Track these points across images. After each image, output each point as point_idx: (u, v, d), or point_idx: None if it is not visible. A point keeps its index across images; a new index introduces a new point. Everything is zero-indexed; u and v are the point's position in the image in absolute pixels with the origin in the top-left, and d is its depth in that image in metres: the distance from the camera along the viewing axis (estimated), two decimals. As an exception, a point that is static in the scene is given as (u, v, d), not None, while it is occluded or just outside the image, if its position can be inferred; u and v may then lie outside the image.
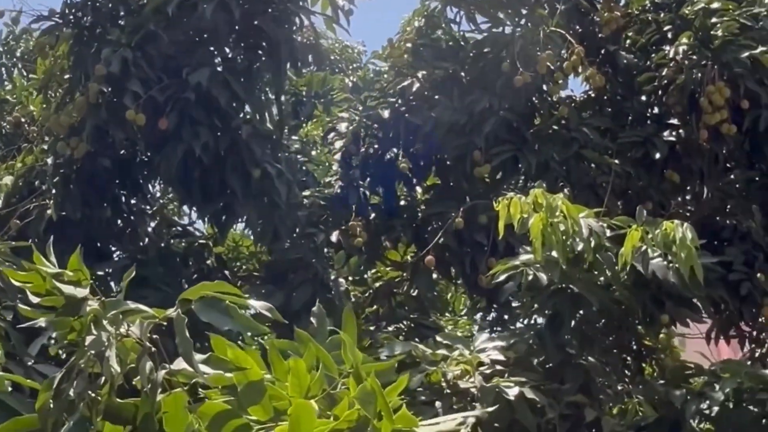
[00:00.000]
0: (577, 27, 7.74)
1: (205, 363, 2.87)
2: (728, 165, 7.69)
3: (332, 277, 7.03)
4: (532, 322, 6.37)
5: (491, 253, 6.76)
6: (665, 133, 7.30)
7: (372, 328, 7.86)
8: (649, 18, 7.69)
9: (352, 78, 10.21)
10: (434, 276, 7.78)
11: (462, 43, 7.71)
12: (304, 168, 8.35)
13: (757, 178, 7.47)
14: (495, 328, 7.79)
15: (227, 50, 7.13)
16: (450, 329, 8.50)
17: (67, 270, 2.85)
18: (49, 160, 6.86)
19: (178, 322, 2.74)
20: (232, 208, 6.85)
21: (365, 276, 7.97)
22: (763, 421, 5.33)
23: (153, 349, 2.82)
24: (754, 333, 7.83)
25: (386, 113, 7.52)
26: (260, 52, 7.14)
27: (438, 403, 5.12)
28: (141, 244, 7.46)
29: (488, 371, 5.24)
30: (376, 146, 7.64)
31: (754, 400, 5.45)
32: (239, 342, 7.05)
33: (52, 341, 3.44)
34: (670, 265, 5.46)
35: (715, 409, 5.46)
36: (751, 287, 6.81)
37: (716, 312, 7.18)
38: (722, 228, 7.26)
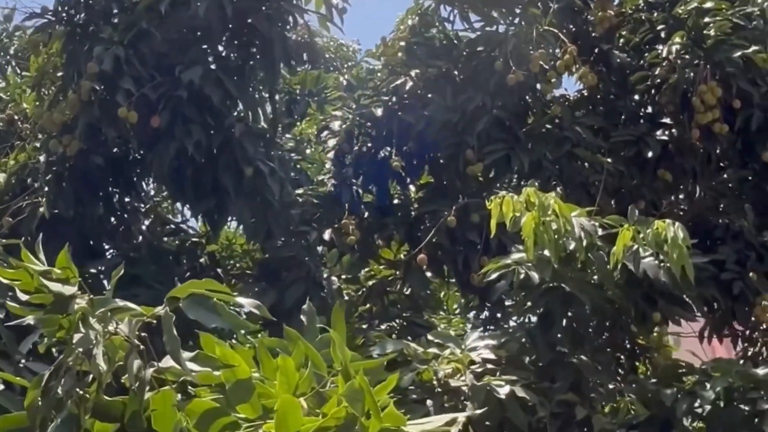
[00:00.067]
0: (571, 26, 7.74)
1: (193, 361, 2.87)
2: (721, 164, 7.71)
3: (325, 276, 7.04)
4: (525, 320, 6.38)
5: (484, 252, 6.76)
6: (658, 132, 7.31)
7: (365, 326, 7.87)
8: (643, 17, 7.69)
9: (346, 76, 10.20)
10: (427, 275, 7.79)
11: (455, 41, 7.71)
12: (297, 166, 8.36)
13: (750, 178, 7.48)
14: (488, 327, 7.80)
15: (220, 48, 7.13)
16: (443, 328, 8.50)
17: (56, 268, 2.85)
18: (42, 158, 6.86)
19: (166, 319, 2.75)
20: (225, 206, 6.85)
21: (358, 274, 7.97)
22: (754, 419, 5.33)
23: (141, 347, 2.83)
24: (747, 332, 7.85)
25: (379, 112, 7.53)
26: (254, 50, 7.13)
27: (429, 402, 5.12)
28: (135, 242, 7.46)
29: (479, 370, 5.25)
30: (369, 145, 7.64)
31: (745, 399, 5.46)
32: (234, 340, 7.11)
33: (45, 339, 3.44)
34: (662, 264, 5.47)
35: (706, 407, 5.46)
36: (743, 286, 6.82)
37: (709, 311, 7.18)
38: (715, 227, 7.27)
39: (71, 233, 6.86)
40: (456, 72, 7.49)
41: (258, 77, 7.31)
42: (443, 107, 7.20)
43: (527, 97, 7.40)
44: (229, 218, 7.24)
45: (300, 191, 7.60)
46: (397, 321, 7.75)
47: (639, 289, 5.84)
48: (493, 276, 5.60)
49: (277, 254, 7.07)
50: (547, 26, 7.31)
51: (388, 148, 7.57)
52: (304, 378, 2.93)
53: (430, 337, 5.52)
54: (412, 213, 7.65)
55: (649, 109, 7.57)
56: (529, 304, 5.85)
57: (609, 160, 7.15)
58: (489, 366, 5.32)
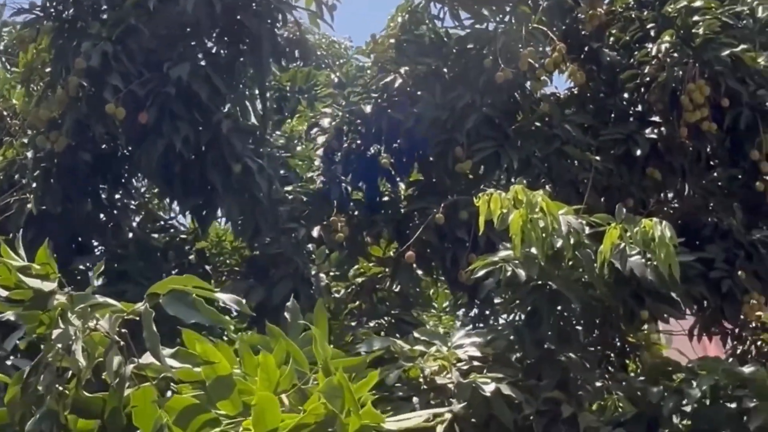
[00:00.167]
0: (561, 24, 7.74)
1: (173, 357, 2.87)
2: (711, 163, 7.71)
3: (313, 273, 7.03)
4: (512, 318, 6.37)
5: (472, 249, 6.76)
6: (647, 131, 7.31)
7: (354, 323, 7.88)
8: (633, 15, 7.69)
9: (338, 73, 10.20)
10: (417, 272, 7.78)
11: (445, 39, 7.70)
12: (287, 163, 8.34)
13: (739, 176, 7.48)
14: (477, 324, 7.80)
15: (209, 45, 7.11)
16: (432, 325, 8.50)
17: (35, 263, 2.84)
18: (29, 154, 6.84)
19: (146, 315, 2.74)
20: (213, 203, 6.84)
21: (347, 272, 7.96)
22: (740, 417, 5.34)
23: (121, 343, 2.82)
24: (736, 330, 7.86)
25: (369, 109, 7.52)
26: (243, 47, 7.12)
27: (415, 399, 5.11)
28: (124, 239, 7.45)
29: (465, 367, 5.24)
30: (358, 142, 7.64)
31: (731, 397, 5.46)
32: (225, 338, 7.10)
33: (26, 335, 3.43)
34: (649, 262, 5.47)
35: (693, 405, 5.46)
36: (732, 285, 6.83)
37: (699, 309, 7.20)
38: (704, 226, 7.27)
39: (59, 230, 6.85)
40: (445, 69, 7.49)
41: (248, 74, 7.30)
42: (432, 104, 7.20)
43: (516, 95, 7.39)
44: (217, 215, 7.22)
45: (289, 188, 7.59)
46: (386, 318, 7.76)
47: (627, 287, 5.83)
48: (480, 273, 5.58)
49: (266, 251, 7.06)
50: (537, 24, 7.31)
51: (378, 146, 7.57)
52: (285, 375, 2.93)
53: (416, 335, 5.51)
54: (401, 210, 7.64)
55: (639, 108, 7.56)
56: (516, 301, 5.84)
57: (598, 158, 7.15)
58: (475, 363, 5.31)
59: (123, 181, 7.46)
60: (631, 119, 7.48)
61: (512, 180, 7.05)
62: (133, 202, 7.86)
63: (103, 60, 6.39)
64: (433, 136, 7.23)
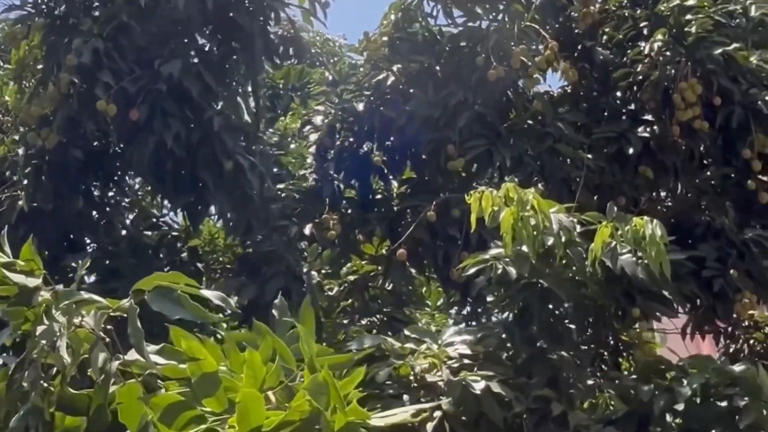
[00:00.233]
0: (554, 22, 7.73)
1: (158, 354, 2.86)
2: (705, 162, 7.71)
3: (305, 270, 7.02)
4: (504, 316, 6.36)
5: (464, 247, 6.75)
6: (639, 129, 7.31)
7: (346, 321, 7.87)
8: (626, 14, 7.69)
9: (332, 71, 10.19)
10: (410, 270, 7.78)
11: (438, 37, 7.69)
12: (280, 160, 8.33)
13: (732, 175, 7.48)
14: (470, 323, 7.79)
15: (201, 42, 7.10)
16: (423, 323, 8.50)
17: (19, 260, 2.84)
18: (20, 151, 6.83)
19: (130, 312, 2.73)
20: (205, 200, 6.82)
21: (340, 269, 7.96)
22: (729, 416, 5.34)
23: (107, 339, 2.81)
24: (729, 329, 7.87)
25: (361, 106, 7.51)
26: (235, 44, 7.11)
27: (406, 397, 5.11)
28: (119, 236, 7.44)
29: (456, 365, 5.24)
30: (351, 139, 7.63)
31: (722, 395, 5.46)
32: (218, 335, 7.09)
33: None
34: (639, 261, 5.47)
35: (683, 404, 5.46)
36: (724, 283, 6.82)
37: (692, 308, 7.20)
38: (696, 224, 7.26)
39: (50, 227, 6.86)
40: (438, 67, 7.47)
41: (240, 71, 7.28)
42: (425, 102, 7.19)
43: (509, 93, 7.39)
44: (209, 212, 7.21)
45: (281, 186, 7.58)
46: (378, 316, 7.75)
47: (618, 285, 5.84)
48: (471, 271, 5.58)
49: (257, 248, 7.05)
50: (530, 22, 7.30)
51: (370, 143, 7.56)
52: (271, 372, 2.92)
53: (407, 333, 5.51)
54: (394, 208, 7.63)
55: (632, 106, 7.56)
56: (507, 299, 5.83)
57: (590, 156, 7.14)
58: (466, 361, 5.31)
59: (116, 178, 7.45)
60: (624, 118, 7.48)
61: (505, 178, 7.03)
62: (126, 200, 7.85)
63: (95, 57, 6.38)
64: (426, 134, 7.22)
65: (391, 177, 7.83)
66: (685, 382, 5.50)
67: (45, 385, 2.79)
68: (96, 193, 7.38)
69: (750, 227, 7.06)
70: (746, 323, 7.97)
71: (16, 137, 7.08)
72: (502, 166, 7.13)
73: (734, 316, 7.24)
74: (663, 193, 7.87)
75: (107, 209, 7.48)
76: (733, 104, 7.02)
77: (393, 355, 5.28)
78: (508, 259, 5.46)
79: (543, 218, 5.38)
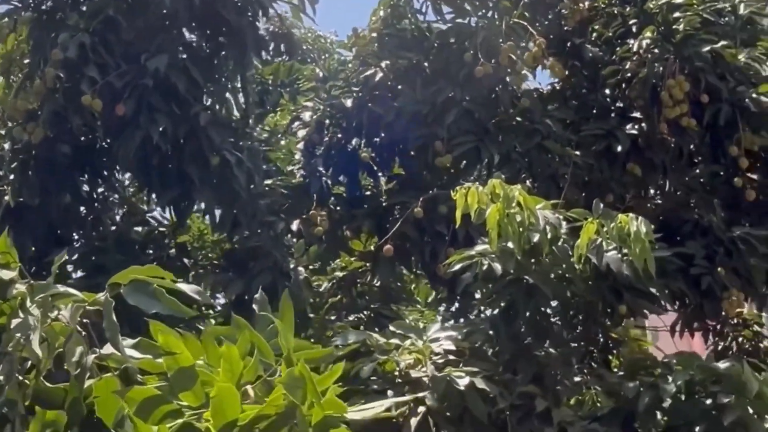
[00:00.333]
0: (543, 19, 7.73)
1: (135, 348, 2.84)
2: (693, 159, 7.71)
3: (292, 266, 7.01)
4: (491, 312, 6.36)
5: (451, 243, 6.75)
6: (628, 127, 7.31)
7: (334, 317, 7.86)
8: (615, 11, 7.69)
9: (321, 67, 10.18)
10: (398, 266, 7.77)
11: (427, 33, 7.68)
12: (269, 156, 8.31)
13: (720, 173, 7.48)
14: (458, 319, 7.78)
15: (188, 37, 7.07)
16: (412, 320, 8.49)
17: (-5, 253, 2.82)
18: (7, 146, 6.81)
19: (106, 305, 2.72)
20: (191, 196, 6.80)
21: (327, 266, 7.94)
22: (714, 413, 5.34)
23: (83, 333, 2.80)
24: (718, 327, 7.88)
25: (349, 103, 7.50)
26: (223, 39, 7.08)
27: (390, 392, 5.11)
28: (107, 231, 7.42)
29: (441, 361, 5.24)
30: (339, 135, 7.62)
31: (707, 392, 5.47)
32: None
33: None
34: (624, 258, 5.47)
35: (668, 401, 5.47)
36: (712, 281, 6.82)
37: (681, 305, 7.20)
38: (684, 222, 7.27)
39: (37, 222, 6.83)
40: (426, 64, 7.47)
41: (229, 67, 7.26)
42: (413, 99, 7.18)
43: (497, 90, 7.38)
44: (195, 208, 7.19)
45: (269, 181, 7.56)
46: (365, 312, 7.74)
47: (605, 282, 5.84)
48: (457, 267, 5.58)
49: (245, 244, 7.04)
50: (519, 19, 7.29)
51: (358, 140, 7.55)
52: (249, 366, 2.90)
53: (392, 328, 5.51)
54: (382, 204, 7.62)
55: (620, 103, 7.56)
56: (493, 295, 5.83)
57: (578, 153, 7.14)
58: (451, 357, 5.31)
59: (105, 174, 7.42)
60: (612, 115, 7.48)
61: (492, 174, 7.03)
62: (115, 196, 7.82)
63: (81, 51, 6.35)
64: (414, 130, 7.22)
65: (379, 173, 7.83)
66: (670, 378, 5.51)
67: (20, 378, 2.77)
68: (84, 188, 7.35)
69: (738, 225, 7.06)
70: (735, 321, 7.98)
71: (2, 132, 7.05)
72: (490, 163, 7.13)
73: (722, 313, 7.24)
74: (651, 191, 7.88)
75: (95, 205, 7.45)
76: (720, 102, 7.03)
77: (378, 351, 5.28)
78: (493, 256, 5.45)
79: (529, 215, 5.39)
